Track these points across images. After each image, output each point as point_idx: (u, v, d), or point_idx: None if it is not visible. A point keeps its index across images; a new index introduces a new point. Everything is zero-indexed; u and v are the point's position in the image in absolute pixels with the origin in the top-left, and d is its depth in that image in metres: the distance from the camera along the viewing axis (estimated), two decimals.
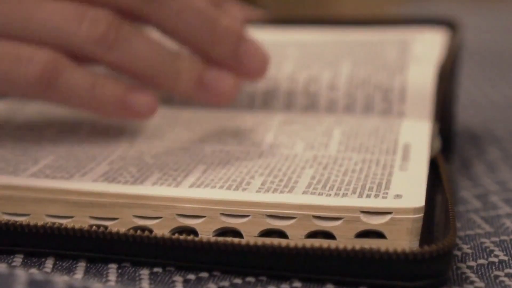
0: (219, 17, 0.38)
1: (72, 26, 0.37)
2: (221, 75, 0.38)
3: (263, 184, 0.34)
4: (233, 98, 0.39)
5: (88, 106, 0.38)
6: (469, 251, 0.34)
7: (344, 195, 0.33)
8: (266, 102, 0.43)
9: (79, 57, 0.38)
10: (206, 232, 0.32)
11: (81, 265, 0.33)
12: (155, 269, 0.32)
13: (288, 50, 0.47)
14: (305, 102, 0.43)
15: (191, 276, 0.32)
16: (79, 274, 0.32)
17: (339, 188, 0.33)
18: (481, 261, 0.33)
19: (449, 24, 0.49)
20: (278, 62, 0.46)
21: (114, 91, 0.37)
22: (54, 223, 0.33)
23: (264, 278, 0.31)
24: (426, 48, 0.46)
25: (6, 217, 0.34)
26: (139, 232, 0.32)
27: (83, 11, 0.37)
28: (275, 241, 0.31)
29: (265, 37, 0.50)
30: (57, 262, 0.33)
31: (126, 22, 0.37)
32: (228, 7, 0.40)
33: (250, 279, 0.31)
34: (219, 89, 0.38)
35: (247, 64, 0.39)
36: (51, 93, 0.37)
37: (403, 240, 0.31)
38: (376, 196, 0.33)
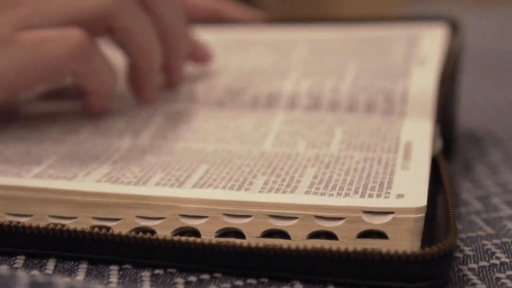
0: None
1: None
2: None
3: (265, 183, 0.34)
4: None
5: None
6: (471, 253, 0.34)
7: (347, 195, 0.33)
8: (270, 104, 0.44)
9: None
10: (208, 232, 0.32)
11: (83, 267, 0.33)
12: (157, 271, 0.32)
13: (296, 51, 0.48)
14: (307, 103, 0.43)
15: (193, 278, 0.32)
16: (80, 276, 0.32)
17: (341, 188, 0.33)
18: (482, 263, 0.33)
19: (451, 22, 0.49)
20: (284, 70, 0.46)
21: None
22: (56, 225, 0.33)
23: (265, 280, 0.31)
24: (429, 48, 0.46)
25: (9, 218, 0.34)
26: (140, 234, 0.32)
27: None
28: (277, 242, 0.31)
29: (272, 36, 0.50)
30: (59, 264, 0.33)
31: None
32: None
33: (251, 280, 0.31)
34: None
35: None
36: (85, 64, 0.40)
37: (404, 240, 0.31)
38: (378, 195, 0.33)
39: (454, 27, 0.48)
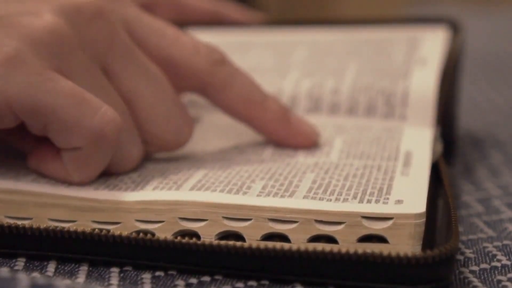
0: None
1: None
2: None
3: (263, 188, 0.34)
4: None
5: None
6: (472, 255, 0.34)
7: (345, 200, 0.33)
8: None
9: None
10: (208, 235, 0.32)
11: (83, 269, 0.33)
12: (157, 273, 0.32)
13: (296, 52, 0.48)
14: (308, 105, 0.43)
15: (193, 280, 0.32)
16: (81, 278, 0.32)
17: (340, 193, 0.33)
18: (483, 265, 0.33)
19: (451, 24, 0.49)
20: (284, 70, 0.46)
21: None
22: (56, 226, 0.33)
23: (266, 282, 0.31)
24: (430, 49, 0.46)
25: (9, 221, 0.34)
26: (141, 235, 0.32)
27: None
28: (277, 244, 0.31)
29: (272, 38, 0.50)
30: (59, 266, 0.33)
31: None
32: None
33: (252, 283, 0.31)
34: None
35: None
36: (106, 151, 0.35)
37: (405, 245, 0.31)
38: (377, 201, 0.32)
39: (455, 29, 0.48)
